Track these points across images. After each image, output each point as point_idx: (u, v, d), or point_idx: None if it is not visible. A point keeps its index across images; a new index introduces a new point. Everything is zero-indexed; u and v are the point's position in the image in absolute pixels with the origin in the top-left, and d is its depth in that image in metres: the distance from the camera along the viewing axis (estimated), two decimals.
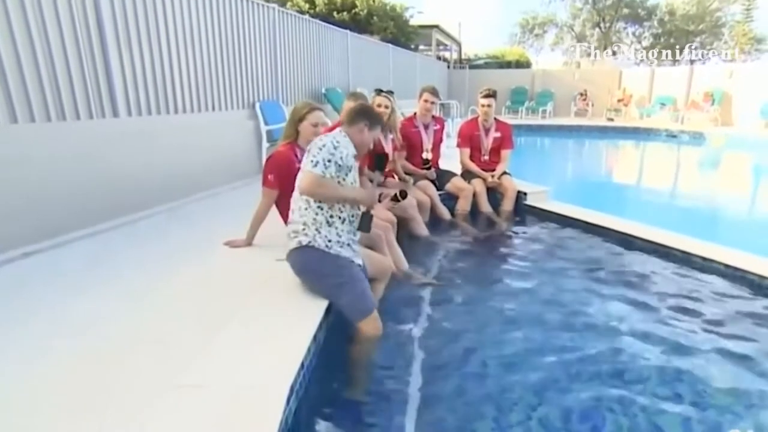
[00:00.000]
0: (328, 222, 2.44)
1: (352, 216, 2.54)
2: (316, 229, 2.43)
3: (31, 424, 1.67)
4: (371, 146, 2.71)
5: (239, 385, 1.81)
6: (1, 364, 1.99)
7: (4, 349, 2.09)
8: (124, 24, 4.06)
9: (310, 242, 2.43)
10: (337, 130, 2.57)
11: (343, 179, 2.44)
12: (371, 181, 3.25)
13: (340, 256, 2.45)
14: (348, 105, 3.57)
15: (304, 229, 2.45)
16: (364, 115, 2.57)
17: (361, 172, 3.32)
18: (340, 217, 2.48)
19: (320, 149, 2.37)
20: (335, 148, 2.39)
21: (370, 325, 2.36)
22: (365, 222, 2.63)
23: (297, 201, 2.50)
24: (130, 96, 4.17)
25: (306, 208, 2.44)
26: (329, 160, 2.35)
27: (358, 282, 2.43)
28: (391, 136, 4.21)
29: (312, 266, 2.49)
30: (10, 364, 1.99)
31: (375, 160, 2.86)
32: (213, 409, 1.67)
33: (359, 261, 2.56)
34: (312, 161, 2.34)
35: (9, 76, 3.17)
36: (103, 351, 2.07)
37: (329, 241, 2.44)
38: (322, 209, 2.43)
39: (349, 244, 2.52)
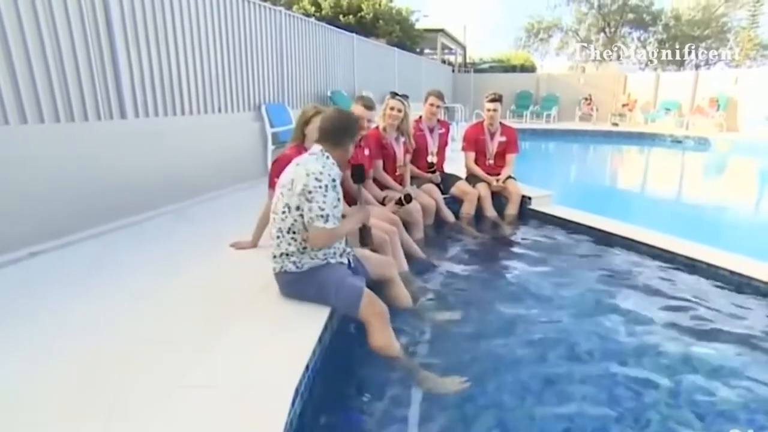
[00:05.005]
0: (300, 251, 2.40)
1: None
2: (286, 257, 2.41)
3: (36, 422, 1.68)
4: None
5: (244, 386, 1.82)
6: (6, 363, 2.01)
7: (9, 348, 2.12)
8: (132, 26, 4.10)
9: (281, 268, 2.44)
10: (319, 151, 2.41)
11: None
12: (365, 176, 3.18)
13: (313, 268, 2.42)
14: (356, 108, 3.57)
15: (274, 257, 2.44)
16: (349, 131, 2.47)
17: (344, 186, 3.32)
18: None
19: (325, 196, 2.26)
20: (334, 187, 2.31)
21: (370, 312, 2.29)
22: (365, 236, 2.73)
23: (271, 226, 2.45)
24: (137, 97, 4.20)
25: (278, 237, 2.39)
26: (335, 206, 2.32)
27: (332, 278, 2.38)
28: (403, 140, 4.22)
29: (289, 288, 2.50)
30: (14, 363, 2.01)
31: (354, 173, 2.72)
32: (217, 411, 1.68)
33: (340, 260, 2.52)
34: (322, 216, 2.25)
35: (19, 77, 3.21)
36: (107, 351, 2.09)
37: (299, 263, 2.41)
38: (295, 240, 2.37)
39: (323, 259, 2.45)
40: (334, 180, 2.33)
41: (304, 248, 2.39)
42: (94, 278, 2.87)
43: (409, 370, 2.27)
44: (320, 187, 2.26)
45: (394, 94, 4.01)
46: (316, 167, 2.30)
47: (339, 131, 2.44)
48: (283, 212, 2.35)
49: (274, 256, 2.45)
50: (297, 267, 2.41)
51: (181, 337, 2.21)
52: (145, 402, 1.76)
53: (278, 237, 2.39)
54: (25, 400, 1.78)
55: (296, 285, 2.46)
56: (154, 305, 2.53)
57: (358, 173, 2.74)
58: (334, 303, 2.39)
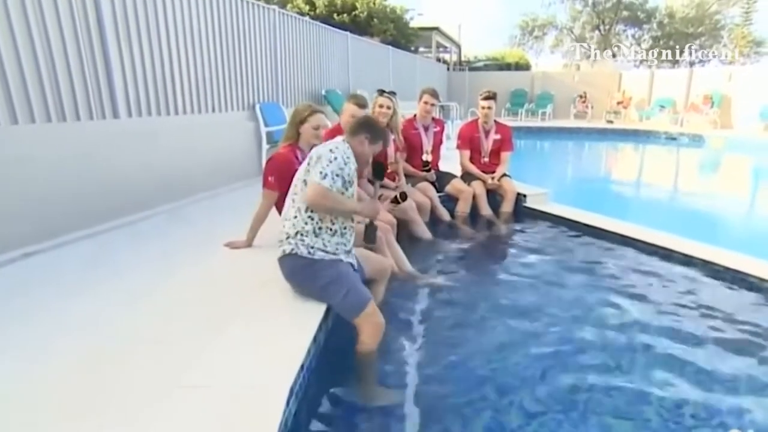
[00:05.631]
0: (315, 232, 2.40)
1: (344, 228, 2.49)
2: (301, 238, 2.40)
3: (32, 423, 1.67)
4: (370, 159, 2.64)
5: (239, 386, 1.81)
6: (4, 363, 2.00)
7: (6, 348, 2.10)
8: (124, 24, 4.08)
9: (293, 250, 2.41)
10: (341, 139, 2.53)
11: (344, 192, 2.43)
12: (371, 182, 3.22)
13: (324, 260, 2.41)
14: (348, 106, 3.58)
15: (287, 238, 2.43)
16: (367, 127, 2.56)
17: (360, 176, 3.32)
18: (330, 229, 2.43)
19: (330, 162, 2.33)
20: (345, 163, 2.38)
21: (368, 321, 2.29)
22: (371, 234, 2.72)
23: (289, 208, 2.48)
24: (130, 97, 4.18)
25: (296, 216, 2.42)
26: (337, 174, 2.34)
27: (345, 279, 2.38)
28: (392, 137, 4.22)
29: (296, 274, 2.48)
30: (12, 363, 2.00)
31: (374, 169, 2.73)
32: (213, 410, 1.67)
33: (350, 260, 2.52)
34: (321, 173, 2.30)
35: (9, 76, 3.19)
36: (104, 351, 2.08)
37: (312, 248, 2.40)
38: (312, 219, 2.40)
39: (335, 253, 2.45)
40: (347, 158, 2.43)
41: (320, 228, 2.41)
42: (91, 278, 2.86)
43: (365, 379, 2.31)
44: (331, 155, 2.36)
45: (381, 92, 4.01)
46: (335, 145, 2.45)
47: (356, 123, 2.61)
48: (303, 190, 2.41)
49: (288, 236, 2.43)
50: (309, 252, 2.40)
51: (177, 337, 2.21)
52: (141, 402, 1.75)
53: (295, 216, 2.42)
54: (23, 400, 1.77)
55: (304, 272, 2.43)
56: (150, 305, 2.53)
57: (377, 170, 2.76)
58: (338, 303, 2.36)
